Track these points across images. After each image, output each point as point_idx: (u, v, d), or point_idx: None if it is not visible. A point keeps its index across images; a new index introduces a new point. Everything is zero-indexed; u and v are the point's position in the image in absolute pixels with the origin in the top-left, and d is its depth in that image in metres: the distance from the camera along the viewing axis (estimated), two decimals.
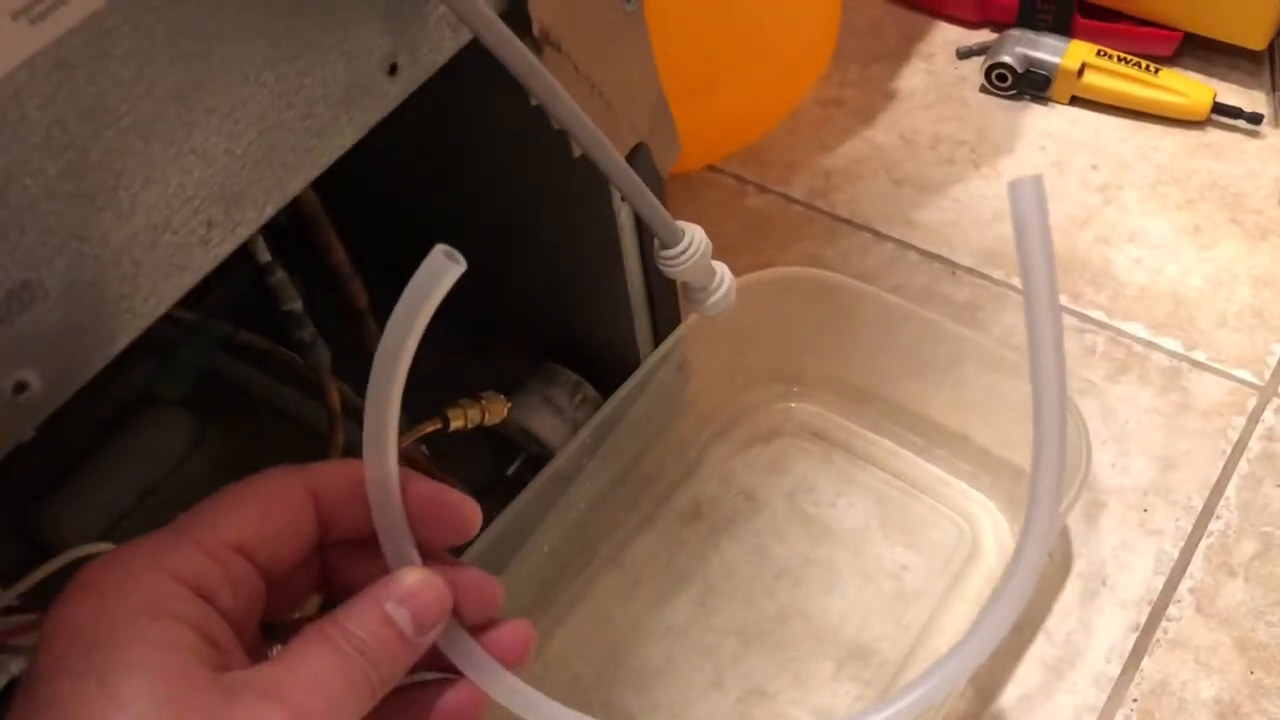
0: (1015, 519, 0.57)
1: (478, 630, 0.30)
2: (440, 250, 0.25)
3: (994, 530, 0.57)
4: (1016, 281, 0.67)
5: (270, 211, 0.33)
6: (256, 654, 0.27)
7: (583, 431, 0.54)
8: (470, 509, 0.30)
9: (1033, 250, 0.25)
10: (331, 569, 0.30)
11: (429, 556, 0.29)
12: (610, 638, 0.56)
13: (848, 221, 0.73)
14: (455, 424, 0.47)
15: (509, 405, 0.49)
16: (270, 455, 0.31)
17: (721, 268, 0.45)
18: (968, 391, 0.59)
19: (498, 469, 0.60)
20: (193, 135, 0.29)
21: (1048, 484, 0.27)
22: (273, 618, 0.29)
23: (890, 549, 0.57)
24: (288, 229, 0.46)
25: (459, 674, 0.30)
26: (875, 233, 0.72)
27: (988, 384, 0.59)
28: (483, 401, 0.48)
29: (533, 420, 0.59)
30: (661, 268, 0.43)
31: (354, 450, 0.47)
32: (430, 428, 0.46)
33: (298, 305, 0.39)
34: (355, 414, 0.44)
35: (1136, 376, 0.62)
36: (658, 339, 0.59)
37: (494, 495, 0.54)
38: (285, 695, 0.25)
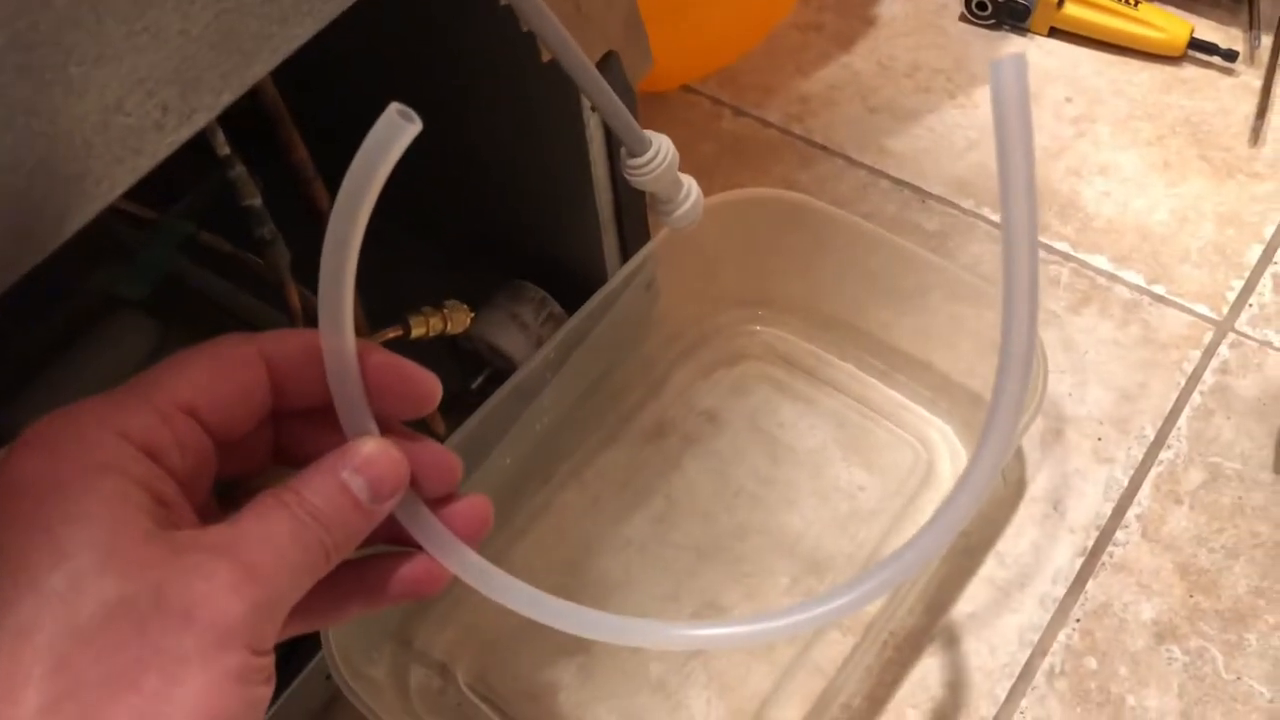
0: (971, 444, 0.58)
1: (435, 505, 0.30)
2: (394, 108, 0.24)
3: (950, 455, 0.58)
4: (985, 212, 0.68)
5: (227, 99, 0.32)
6: (209, 519, 0.27)
7: (546, 346, 0.54)
8: (430, 382, 0.30)
9: (1011, 132, 0.25)
10: (288, 440, 0.30)
11: (387, 430, 0.29)
12: (569, 551, 0.56)
13: (822, 147, 0.72)
14: (417, 331, 0.46)
15: (472, 315, 0.49)
16: None
17: (688, 180, 0.45)
18: (932, 319, 0.60)
19: (463, 383, 0.60)
20: (146, 13, 0.28)
21: (1012, 386, 0.27)
22: (227, 482, 0.29)
23: (848, 470, 0.58)
24: (250, 129, 0.46)
25: (417, 549, 0.30)
26: (848, 159, 0.71)
27: (953, 312, 0.59)
28: (445, 310, 0.48)
29: (498, 335, 0.59)
30: (628, 177, 0.43)
31: None
32: (391, 333, 0.46)
33: (257, 201, 0.39)
34: (315, 318, 0.44)
35: (1098, 308, 0.63)
36: (625, 257, 0.58)
37: (458, 409, 0.54)
38: (235, 553, 0.25)
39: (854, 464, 0.58)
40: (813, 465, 0.58)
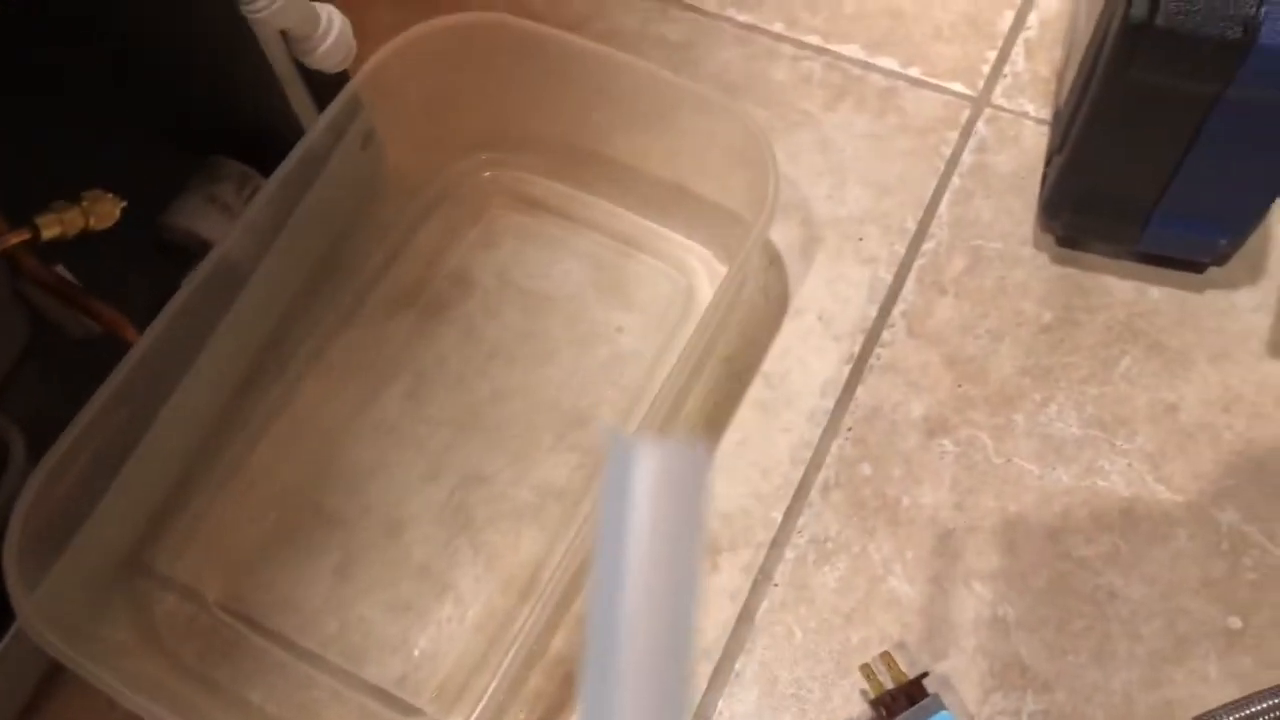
0: (729, 263, 0.54)
1: None
2: None
3: (710, 278, 0.54)
4: (730, 12, 0.63)
5: None
6: None
7: (244, 217, 0.48)
8: None
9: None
10: None
11: None
12: (316, 443, 0.52)
13: None
14: (49, 232, 0.40)
15: (122, 205, 0.42)
16: None
17: (327, 9, 0.39)
18: (683, 139, 0.55)
19: (176, 285, 0.54)
20: None
21: None
22: None
23: (606, 312, 0.54)
24: None
25: None
26: None
27: (702, 129, 0.55)
28: (84, 203, 0.41)
29: (197, 221, 0.53)
30: (247, 14, 0.36)
31: None
32: (16, 238, 0.39)
33: None
34: None
35: (854, 101, 0.59)
36: (323, 109, 0.52)
37: None
38: None
39: (612, 305, 0.54)
40: (569, 313, 0.54)
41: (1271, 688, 0.43)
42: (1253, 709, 0.43)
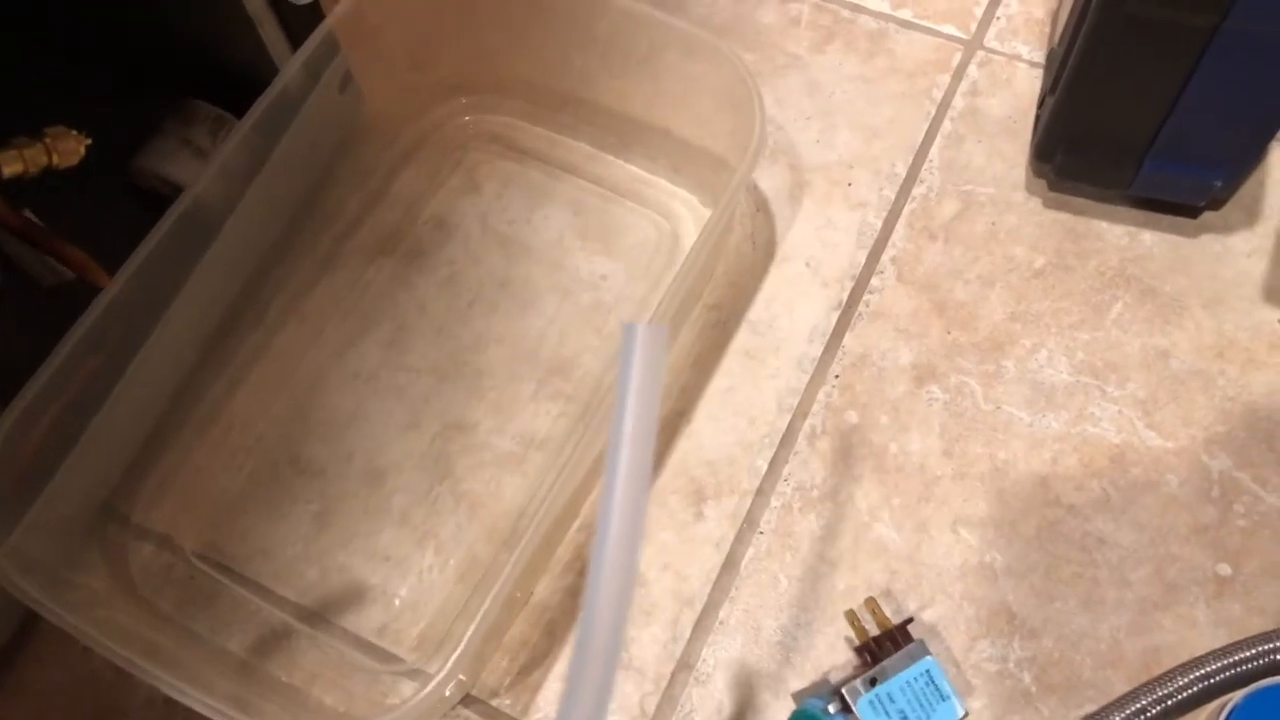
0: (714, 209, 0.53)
1: None
2: None
3: (696, 224, 0.53)
4: None
5: None
6: None
7: (214, 160, 0.47)
8: None
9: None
10: None
11: None
12: (294, 391, 0.51)
13: None
14: (10, 169, 0.38)
15: (87, 142, 0.41)
16: None
17: None
18: (668, 82, 0.54)
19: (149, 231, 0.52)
20: None
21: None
22: None
23: (588, 259, 0.53)
24: None
25: None
26: None
27: (688, 72, 0.53)
28: (46, 139, 0.39)
29: (170, 166, 0.52)
30: None
31: None
32: None
33: None
34: None
35: (843, 44, 0.58)
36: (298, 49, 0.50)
37: None
38: None
39: (594, 251, 0.53)
40: (550, 260, 0.53)
41: (1261, 634, 0.43)
42: (1241, 655, 0.43)
